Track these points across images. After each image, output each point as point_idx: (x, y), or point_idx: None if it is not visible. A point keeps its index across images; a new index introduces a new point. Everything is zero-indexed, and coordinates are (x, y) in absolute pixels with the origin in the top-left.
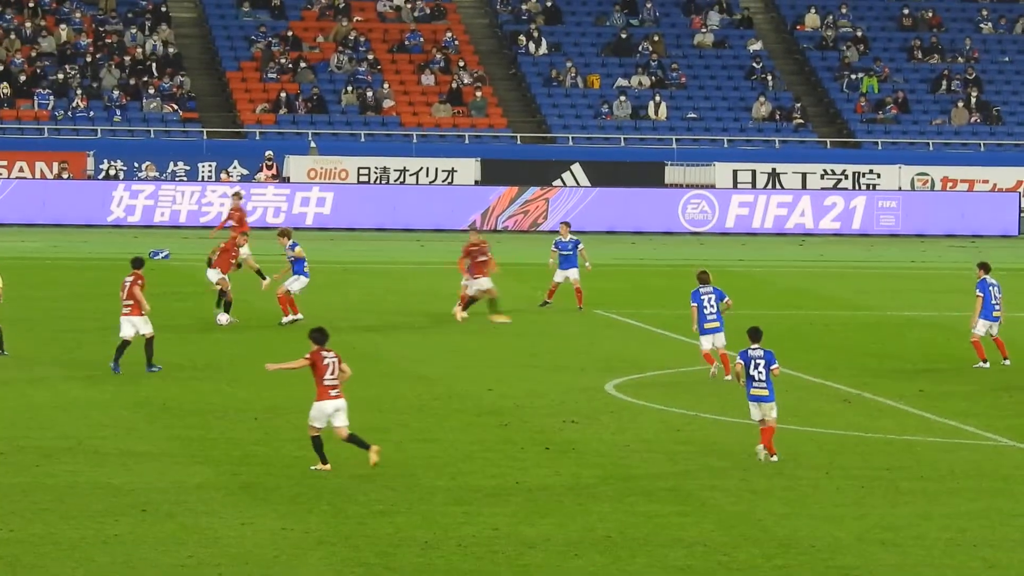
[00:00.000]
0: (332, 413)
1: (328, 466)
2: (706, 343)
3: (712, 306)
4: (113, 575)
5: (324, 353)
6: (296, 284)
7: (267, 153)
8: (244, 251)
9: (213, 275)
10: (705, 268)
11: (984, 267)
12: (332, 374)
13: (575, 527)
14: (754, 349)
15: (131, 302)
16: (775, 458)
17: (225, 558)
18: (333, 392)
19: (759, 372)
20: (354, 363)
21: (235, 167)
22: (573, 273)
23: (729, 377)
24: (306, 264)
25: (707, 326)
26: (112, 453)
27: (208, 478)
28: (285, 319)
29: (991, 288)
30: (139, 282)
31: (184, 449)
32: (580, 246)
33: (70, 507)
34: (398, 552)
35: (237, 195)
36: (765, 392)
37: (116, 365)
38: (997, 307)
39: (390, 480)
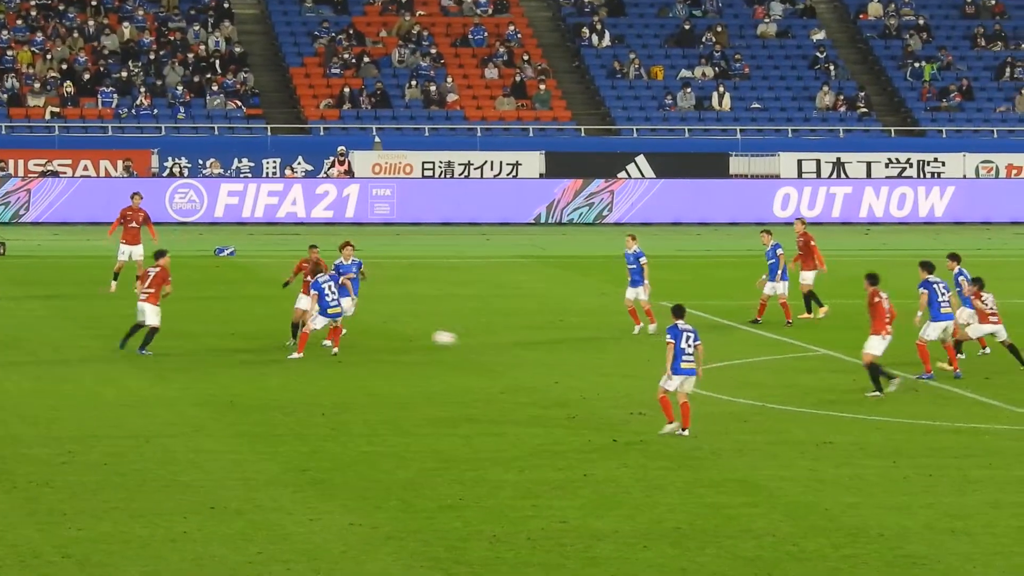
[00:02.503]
0: None
1: None
2: None
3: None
4: (182, 573)
5: None
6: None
7: (339, 148)
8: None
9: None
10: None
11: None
12: None
13: (643, 519)
14: (683, 324)
15: (152, 290)
16: (687, 432)
17: (294, 554)
18: None
19: (690, 345)
20: (419, 356)
21: (299, 163)
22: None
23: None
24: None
25: None
26: (180, 451)
27: (276, 474)
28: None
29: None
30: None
31: (252, 446)
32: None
33: (139, 505)
34: (467, 546)
35: (137, 195)
36: (694, 365)
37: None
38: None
39: (458, 474)
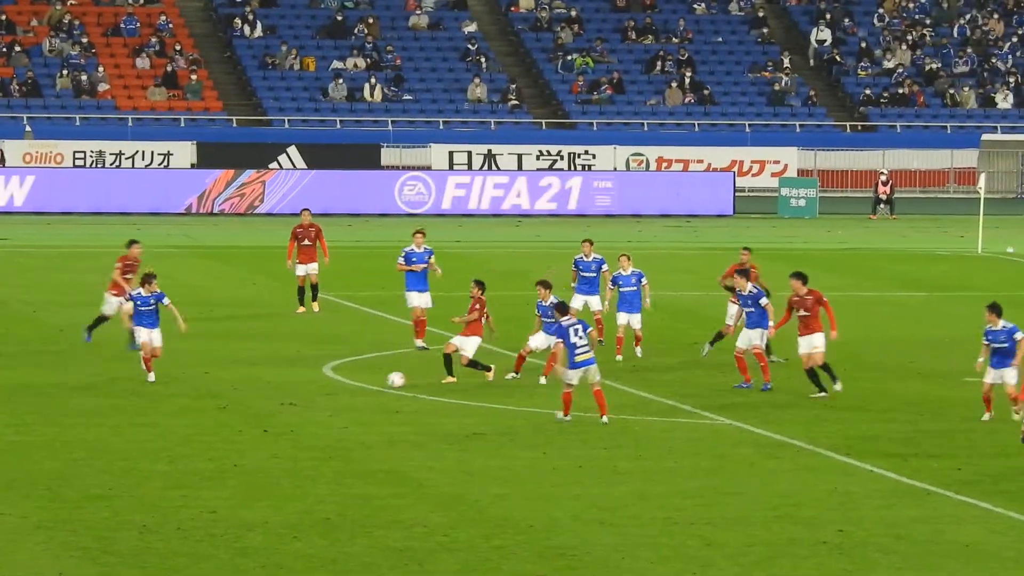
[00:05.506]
0: None
1: None
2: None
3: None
4: None
5: None
6: None
7: None
8: None
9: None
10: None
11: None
12: None
13: (293, 510)
14: (566, 320)
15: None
16: (606, 419)
17: None
18: None
19: (580, 338)
20: (67, 346)
21: None
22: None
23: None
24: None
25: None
26: None
27: None
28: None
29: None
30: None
31: None
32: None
33: None
34: (116, 536)
35: None
36: (591, 355)
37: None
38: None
39: (108, 464)
